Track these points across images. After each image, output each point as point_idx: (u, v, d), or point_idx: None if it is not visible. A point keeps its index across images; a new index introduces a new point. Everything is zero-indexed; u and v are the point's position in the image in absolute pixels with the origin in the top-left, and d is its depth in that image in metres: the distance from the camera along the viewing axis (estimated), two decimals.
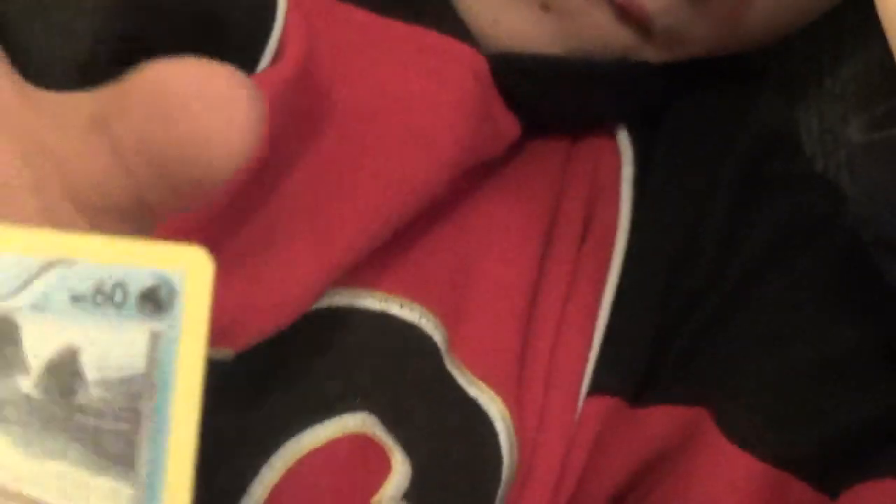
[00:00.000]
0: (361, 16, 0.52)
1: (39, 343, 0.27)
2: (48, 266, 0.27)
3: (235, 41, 0.48)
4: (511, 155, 0.55)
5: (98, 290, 0.27)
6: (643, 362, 0.55)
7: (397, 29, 0.52)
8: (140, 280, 0.27)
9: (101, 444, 0.27)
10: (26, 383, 0.27)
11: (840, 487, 0.53)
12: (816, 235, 0.56)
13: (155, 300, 0.27)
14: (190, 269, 0.27)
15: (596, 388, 0.54)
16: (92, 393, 0.27)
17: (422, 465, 0.50)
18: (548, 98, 0.55)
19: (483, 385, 0.52)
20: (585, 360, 0.54)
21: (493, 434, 0.52)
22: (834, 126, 0.60)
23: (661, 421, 0.54)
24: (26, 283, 0.27)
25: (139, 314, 0.27)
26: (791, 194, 0.57)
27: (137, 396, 0.27)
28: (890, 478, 0.52)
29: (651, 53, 0.54)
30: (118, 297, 0.27)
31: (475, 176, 0.54)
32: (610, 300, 0.55)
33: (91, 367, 0.27)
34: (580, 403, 0.54)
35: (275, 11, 0.48)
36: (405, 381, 0.51)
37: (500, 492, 0.52)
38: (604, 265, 0.55)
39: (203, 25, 0.47)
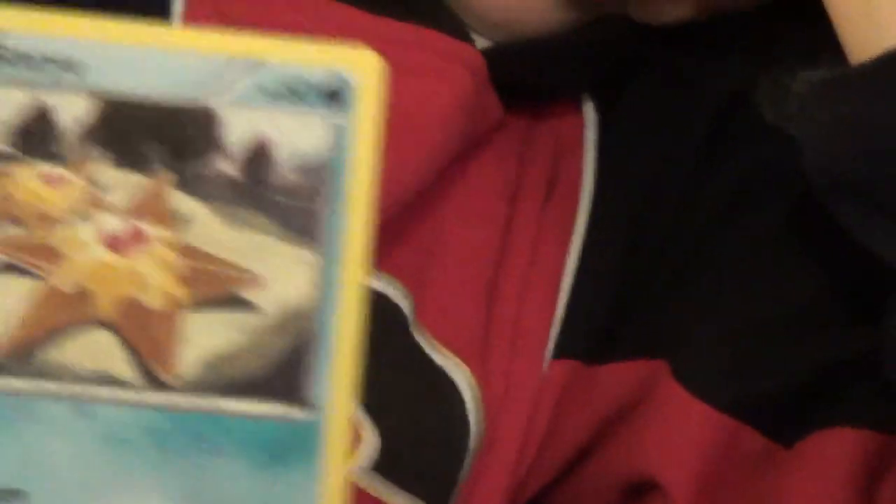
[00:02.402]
0: (355, 14, 0.52)
1: (239, 132, 0.31)
2: (245, 67, 0.31)
3: None
4: None
5: (288, 89, 0.31)
6: (605, 323, 0.55)
7: (392, 27, 0.52)
8: (323, 80, 0.31)
9: (289, 219, 0.31)
10: (227, 166, 0.31)
11: (795, 437, 0.54)
12: (776, 188, 0.57)
13: (336, 97, 0.31)
14: (365, 69, 0.31)
15: (559, 353, 0.54)
16: (283, 175, 0.31)
17: (390, 435, 0.51)
18: (535, 78, 0.55)
19: (449, 352, 0.52)
20: (549, 325, 0.54)
21: (460, 402, 0.52)
22: (783, 77, 0.60)
23: (620, 377, 0.55)
24: (226, 83, 0.31)
25: (322, 110, 0.31)
26: (752, 148, 0.57)
27: (320, 180, 0.31)
28: (841, 426, 0.53)
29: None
30: (305, 94, 0.31)
31: None
32: (574, 264, 0.55)
33: (282, 154, 0.31)
34: (544, 368, 0.54)
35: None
36: (372, 352, 0.51)
37: (468, 459, 0.52)
38: (567, 228, 0.55)
39: None
